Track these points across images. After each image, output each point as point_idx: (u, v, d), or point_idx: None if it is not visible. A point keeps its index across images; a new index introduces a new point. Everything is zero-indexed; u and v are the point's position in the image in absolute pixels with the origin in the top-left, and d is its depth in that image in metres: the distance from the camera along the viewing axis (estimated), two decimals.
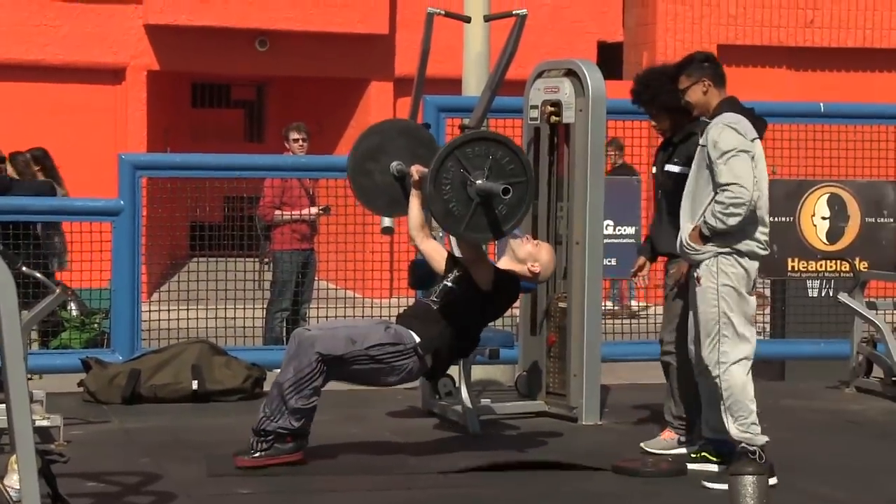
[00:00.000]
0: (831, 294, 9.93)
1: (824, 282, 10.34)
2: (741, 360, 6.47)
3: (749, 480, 4.98)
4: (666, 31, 17.03)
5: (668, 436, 7.28)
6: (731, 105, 6.62)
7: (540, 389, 8.34)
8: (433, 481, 6.59)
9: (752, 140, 6.46)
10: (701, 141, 6.58)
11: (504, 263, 7.17)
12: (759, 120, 6.62)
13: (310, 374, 6.56)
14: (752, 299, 6.54)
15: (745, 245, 6.47)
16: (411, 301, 8.43)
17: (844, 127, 9.85)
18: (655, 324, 10.54)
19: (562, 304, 8.17)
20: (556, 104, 8.14)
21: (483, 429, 7.70)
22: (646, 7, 17.25)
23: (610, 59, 17.03)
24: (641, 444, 7.34)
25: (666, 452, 7.11)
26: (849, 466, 6.86)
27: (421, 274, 8.01)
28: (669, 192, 7.26)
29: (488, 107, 7.98)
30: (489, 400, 8.29)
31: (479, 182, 6.54)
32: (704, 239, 6.46)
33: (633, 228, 11.63)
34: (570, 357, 8.09)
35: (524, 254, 7.12)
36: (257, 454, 6.62)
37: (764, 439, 6.41)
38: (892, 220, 10.83)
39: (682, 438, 7.16)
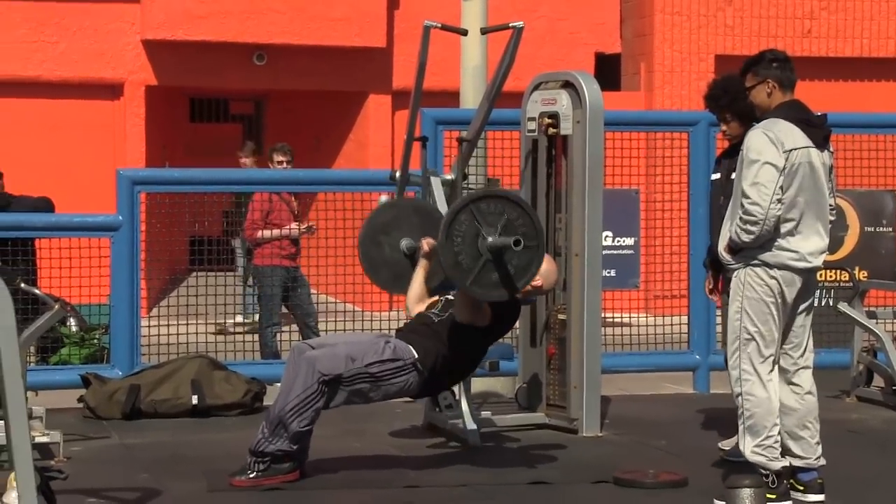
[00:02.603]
0: (831, 303, 9.93)
1: (824, 291, 10.34)
2: (763, 377, 6.22)
3: (746, 493, 4.96)
4: (663, 41, 17.05)
5: None
6: (787, 110, 6.31)
7: (540, 401, 8.33)
8: (434, 495, 6.58)
9: (790, 150, 6.15)
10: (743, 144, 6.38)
11: None
12: (817, 128, 6.29)
13: (312, 397, 6.57)
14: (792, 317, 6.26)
15: (774, 257, 6.20)
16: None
17: (842, 136, 9.83)
18: (656, 335, 10.56)
19: (561, 316, 8.16)
20: (554, 116, 8.15)
21: (483, 441, 7.69)
22: (643, 18, 17.27)
23: (607, 70, 17.04)
24: (722, 449, 7.36)
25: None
26: (849, 476, 6.85)
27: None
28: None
29: (486, 119, 8.00)
30: (489, 412, 8.29)
31: (490, 239, 6.53)
32: (732, 252, 6.29)
33: (633, 240, 11.64)
34: (570, 368, 8.08)
35: None
36: (253, 475, 6.62)
37: (780, 464, 6.19)
38: (890, 229, 10.85)
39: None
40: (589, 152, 8.01)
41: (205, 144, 17.39)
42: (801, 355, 6.36)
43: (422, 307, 7.17)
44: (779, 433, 6.21)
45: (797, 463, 6.26)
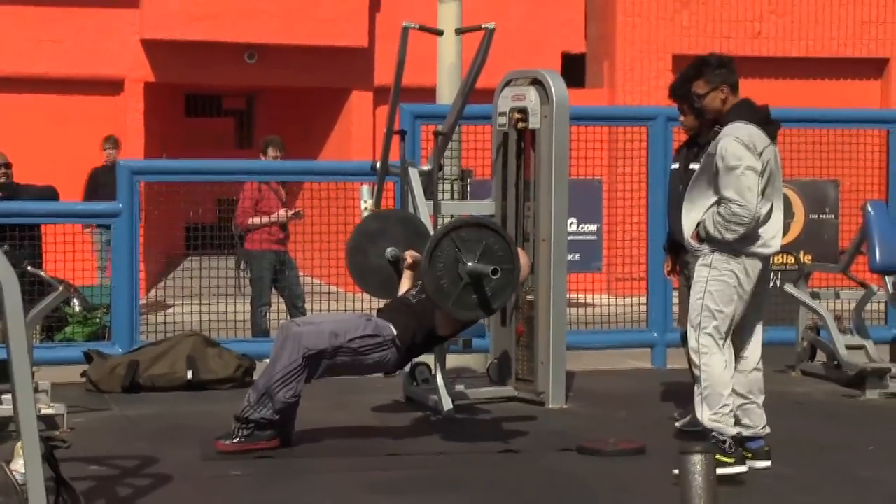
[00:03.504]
0: (778, 285, 9.95)
1: (772, 274, 10.35)
2: (720, 352, 6.19)
3: (697, 458, 4.95)
4: (625, 42, 17.03)
5: None
6: (743, 111, 6.21)
7: (510, 376, 8.33)
8: (412, 462, 6.58)
9: (761, 151, 6.09)
10: (710, 149, 6.23)
11: None
12: (771, 123, 6.23)
13: (297, 370, 6.57)
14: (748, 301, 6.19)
15: (742, 245, 6.14)
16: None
17: (789, 130, 9.81)
18: (617, 314, 10.58)
19: (529, 297, 8.16)
20: (523, 111, 8.13)
21: (457, 413, 7.69)
22: (606, 20, 17.25)
23: (573, 68, 17.02)
24: (676, 420, 7.38)
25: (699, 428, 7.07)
26: (796, 444, 6.87)
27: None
28: None
29: (460, 114, 7.98)
30: (463, 386, 8.28)
31: (469, 264, 6.53)
32: (701, 240, 6.20)
33: (596, 226, 11.64)
34: (538, 346, 8.08)
35: None
36: (237, 440, 6.61)
37: (735, 430, 6.18)
38: (833, 216, 10.87)
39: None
40: (555, 145, 8.01)
41: (200, 137, 17.33)
42: (750, 333, 6.35)
43: None
44: (732, 402, 6.20)
45: (745, 432, 6.26)
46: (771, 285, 9.92)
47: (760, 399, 6.33)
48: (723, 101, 6.28)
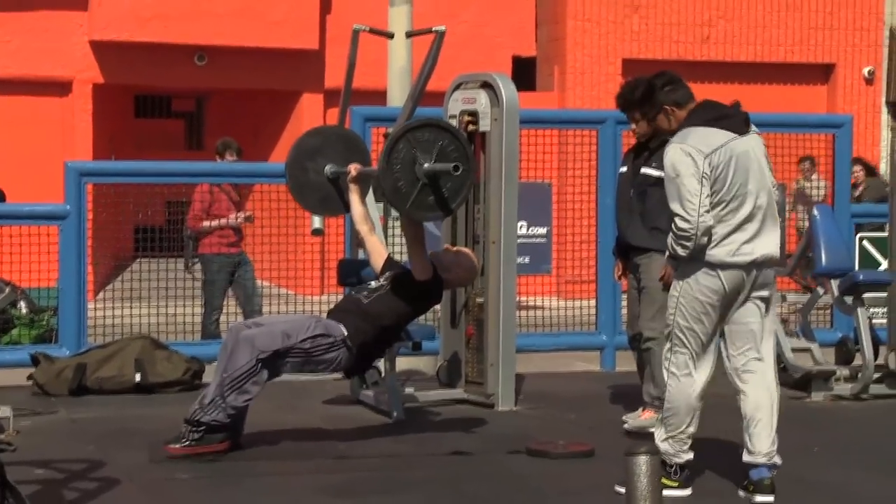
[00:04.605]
0: None
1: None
2: (687, 373, 5.91)
3: (643, 460, 4.96)
4: (575, 45, 17.10)
5: (649, 414, 7.37)
6: (693, 116, 5.95)
7: (460, 378, 8.34)
8: (362, 465, 6.57)
9: (710, 153, 5.75)
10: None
11: None
12: (731, 118, 5.88)
13: (249, 371, 6.54)
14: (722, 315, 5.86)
15: (711, 256, 5.80)
16: (341, 297, 8.41)
17: None
18: (566, 317, 10.61)
19: (479, 300, 8.17)
20: (474, 114, 8.14)
21: (407, 415, 7.69)
22: (556, 24, 17.31)
23: (523, 72, 17.06)
24: (625, 422, 7.43)
25: (648, 430, 7.09)
26: (741, 446, 6.90)
27: (349, 271, 8.01)
28: (643, 193, 7.42)
29: (410, 116, 7.97)
30: (413, 389, 8.29)
31: (426, 164, 6.54)
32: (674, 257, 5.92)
33: (545, 229, 11.68)
34: (488, 348, 8.09)
35: (447, 262, 7.12)
36: (187, 442, 6.58)
37: (685, 458, 5.93)
38: (780, 219, 10.93)
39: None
40: (505, 148, 8.02)
41: (149, 139, 17.22)
42: (751, 349, 5.96)
43: (369, 227, 7.20)
44: (693, 429, 5.92)
45: (746, 458, 5.92)
46: None
47: (764, 423, 5.91)
48: (668, 119, 6.08)
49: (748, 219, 5.84)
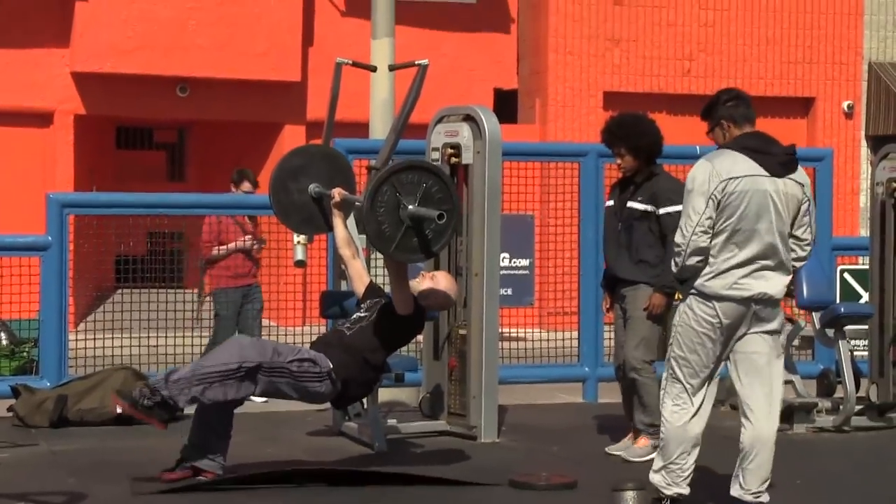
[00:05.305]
0: None
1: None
2: (679, 404, 5.87)
3: (630, 495, 4.97)
4: (556, 78, 17.18)
5: (644, 443, 7.41)
6: (736, 140, 5.91)
7: (442, 410, 8.33)
8: (343, 496, 6.55)
9: (728, 179, 5.71)
10: None
11: None
12: (768, 156, 5.82)
13: (227, 373, 6.41)
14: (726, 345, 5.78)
15: (707, 287, 5.76)
16: (323, 329, 8.41)
17: None
18: (549, 349, 10.61)
19: (462, 331, 8.18)
20: (456, 146, 8.17)
21: (389, 447, 7.67)
22: (538, 57, 17.39)
23: (505, 105, 17.13)
24: (621, 454, 7.45)
25: (645, 459, 7.09)
26: (722, 479, 6.90)
27: (331, 303, 8.00)
28: (630, 227, 7.52)
29: (393, 149, 8.00)
30: (395, 420, 8.27)
31: (411, 207, 6.56)
32: (682, 281, 5.86)
33: (528, 261, 11.70)
34: (470, 380, 8.09)
35: (425, 289, 7.12)
36: (138, 399, 6.42)
37: (675, 491, 5.88)
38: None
39: (657, 443, 7.15)
40: (488, 180, 8.05)
41: (130, 170, 17.21)
42: (755, 382, 5.89)
43: (352, 252, 7.20)
44: (689, 462, 5.88)
45: (734, 491, 5.90)
46: None
47: (758, 461, 5.86)
48: (724, 134, 6.00)
49: (753, 258, 5.79)
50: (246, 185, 10.65)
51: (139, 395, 6.48)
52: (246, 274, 10.53)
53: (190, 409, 6.67)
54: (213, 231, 10.43)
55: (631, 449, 7.52)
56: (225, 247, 10.40)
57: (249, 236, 10.46)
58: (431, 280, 7.18)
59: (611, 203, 7.79)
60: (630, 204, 7.58)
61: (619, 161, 7.66)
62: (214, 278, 10.52)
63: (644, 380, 7.48)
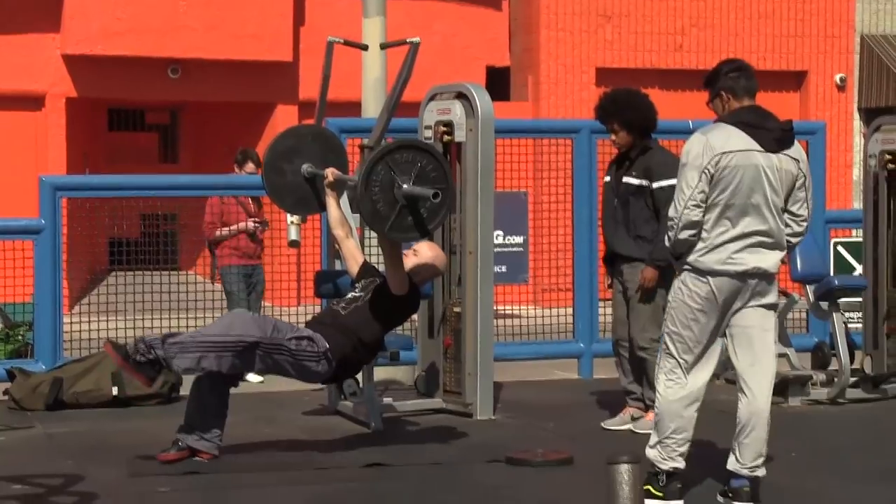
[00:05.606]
0: None
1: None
2: (674, 379, 5.85)
3: (624, 468, 4.98)
4: (549, 55, 17.14)
5: (652, 416, 7.41)
6: (732, 114, 5.84)
7: (438, 388, 8.34)
8: (341, 476, 6.57)
9: (722, 153, 5.68)
10: None
11: None
12: (764, 131, 5.77)
13: (225, 345, 6.45)
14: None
15: (700, 262, 5.74)
16: (318, 309, 8.41)
17: None
18: (544, 325, 10.63)
19: (456, 309, 8.18)
20: (449, 124, 8.16)
21: (385, 425, 7.69)
22: (530, 34, 17.36)
23: (498, 82, 17.10)
24: (629, 427, 7.51)
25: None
26: (717, 452, 6.92)
27: (326, 282, 8.00)
28: (626, 202, 7.55)
29: (386, 127, 7.98)
30: (391, 399, 8.29)
31: (405, 187, 6.55)
32: (676, 257, 5.83)
33: (522, 238, 11.71)
34: (465, 357, 8.10)
35: (412, 266, 7.12)
36: (131, 354, 6.44)
37: (671, 465, 5.84)
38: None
39: None
40: (481, 158, 8.04)
41: (123, 152, 17.18)
42: (750, 356, 5.88)
43: (345, 231, 7.22)
44: (685, 437, 5.85)
45: (731, 465, 5.89)
46: None
47: (754, 436, 5.85)
48: (723, 105, 5.91)
49: (747, 233, 5.76)
50: (249, 166, 10.56)
51: (133, 349, 6.49)
52: (252, 255, 10.54)
53: (184, 392, 6.68)
54: (216, 212, 10.41)
55: (641, 421, 7.55)
56: (228, 228, 10.37)
57: (253, 218, 10.42)
58: (415, 255, 7.19)
59: (608, 179, 7.81)
60: (625, 179, 7.60)
61: (613, 137, 7.67)
62: (221, 258, 10.50)
63: (653, 358, 7.47)
